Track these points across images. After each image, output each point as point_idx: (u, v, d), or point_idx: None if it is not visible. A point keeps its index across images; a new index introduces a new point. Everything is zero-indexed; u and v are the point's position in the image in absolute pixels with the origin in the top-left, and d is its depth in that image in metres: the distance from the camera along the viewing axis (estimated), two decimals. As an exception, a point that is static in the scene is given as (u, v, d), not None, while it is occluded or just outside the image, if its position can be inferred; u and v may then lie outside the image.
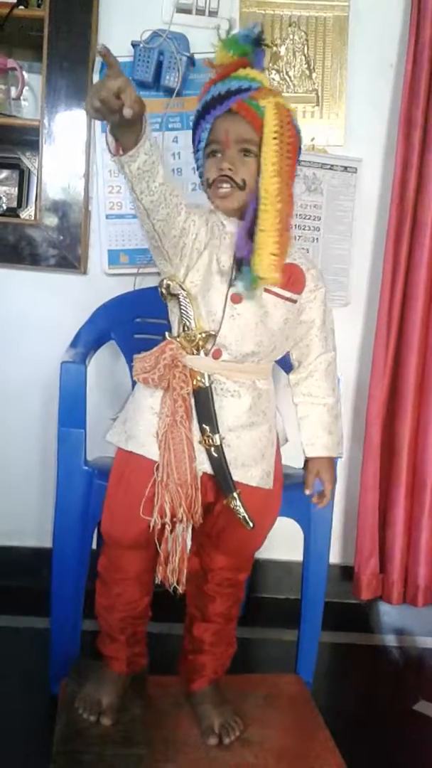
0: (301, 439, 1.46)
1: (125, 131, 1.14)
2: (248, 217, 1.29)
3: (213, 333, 1.32)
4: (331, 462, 1.47)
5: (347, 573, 2.19)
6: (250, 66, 1.33)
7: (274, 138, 1.27)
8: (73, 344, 1.86)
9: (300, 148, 1.35)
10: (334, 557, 2.21)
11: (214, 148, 1.32)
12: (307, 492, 1.46)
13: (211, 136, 1.31)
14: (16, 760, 1.42)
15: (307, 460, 1.48)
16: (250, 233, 1.28)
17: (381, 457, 2.12)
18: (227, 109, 1.28)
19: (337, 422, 1.47)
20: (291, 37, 2.10)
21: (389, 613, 2.20)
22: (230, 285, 1.32)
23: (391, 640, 2.10)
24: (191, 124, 1.38)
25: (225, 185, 1.30)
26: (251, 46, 1.33)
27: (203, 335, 1.32)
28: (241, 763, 1.38)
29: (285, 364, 1.55)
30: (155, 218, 1.24)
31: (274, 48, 2.09)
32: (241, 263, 1.29)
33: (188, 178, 2.07)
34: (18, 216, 2.22)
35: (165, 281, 1.33)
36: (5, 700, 1.61)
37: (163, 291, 1.33)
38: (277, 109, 1.28)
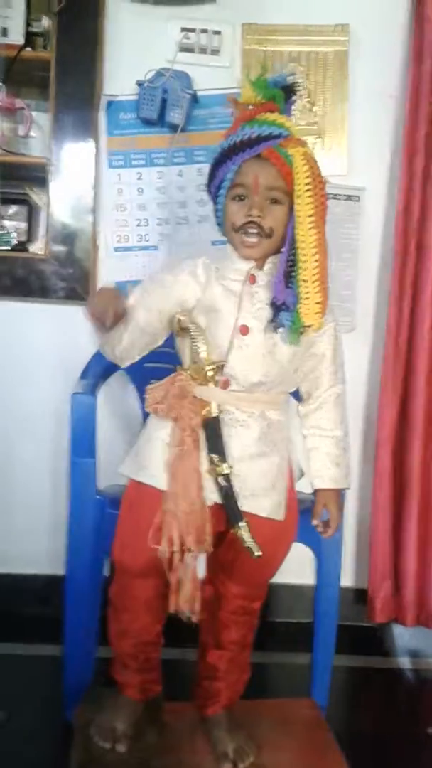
0: (310, 471, 1.48)
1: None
2: (282, 265, 1.31)
3: (222, 364, 1.35)
4: (338, 494, 1.48)
5: (361, 596, 2.19)
6: (279, 112, 1.35)
7: (308, 189, 1.29)
8: (83, 375, 1.90)
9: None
10: (348, 580, 2.23)
11: (240, 192, 1.33)
12: (314, 522, 1.47)
13: (238, 179, 1.32)
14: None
15: (315, 491, 1.49)
16: (287, 281, 1.31)
17: (392, 480, 2.13)
18: (256, 154, 1.29)
19: (345, 454, 1.47)
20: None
21: (403, 636, 2.20)
22: (238, 316, 1.35)
23: (405, 662, 2.09)
24: (212, 159, 1.37)
25: (252, 234, 1.32)
26: (280, 92, 1.35)
27: (213, 366, 1.35)
28: (255, 789, 1.39)
29: (297, 395, 1.57)
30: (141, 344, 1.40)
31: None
32: (279, 309, 1.32)
33: (193, 210, 2.12)
34: (27, 250, 2.27)
35: (177, 316, 1.36)
36: (20, 727, 1.62)
37: (175, 325, 1.37)
38: (306, 159, 1.29)
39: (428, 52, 2.09)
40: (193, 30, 2.13)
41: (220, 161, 1.35)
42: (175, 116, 2.07)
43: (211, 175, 1.38)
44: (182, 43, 2.12)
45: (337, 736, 1.56)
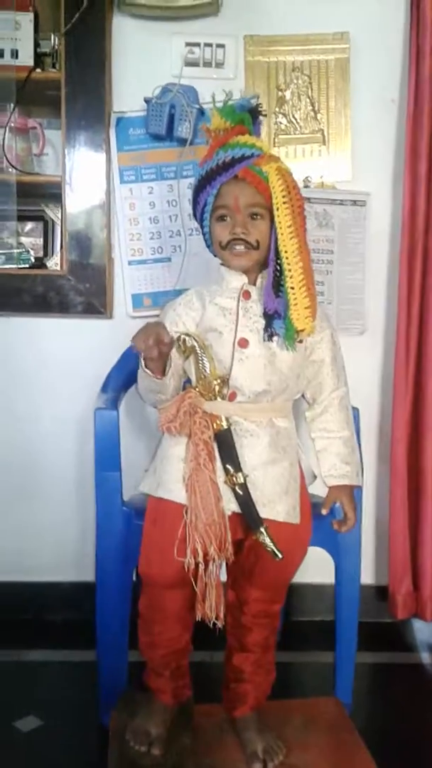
0: (321, 471, 1.53)
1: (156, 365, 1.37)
2: (270, 276, 1.39)
3: (227, 377, 1.41)
4: (351, 490, 1.53)
5: (382, 593, 2.25)
6: (249, 133, 1.43)
7: (284, 202, 1.36)
8: (104, 389, 1.95)
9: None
10: (368, 578, 2.28)
11: (222, 213, 1.41)
12: (324, 511, 1.50)
13: (218, 201, 1.40)
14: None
15: (328, 489, 1.54)
16: (276, 291, 1.38)
17: (408, 478, 2.18)
18: (233, 175, 1.37)
19: (354, 454, 1.53)
20: (295, 81, 2.20)
21: (423, 630, 2.24)
22: (236, 331, 1.41)
23: (426, 657, 2.13)
24: (193, 187, 1.46)
25: (239, 246, 1.40)
26: (248, 115, 1.43)
27: (219, 381, 1.41)
28: (285, 786, 1.44)
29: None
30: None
31: (280, 93, 2.19)
32: (272, 318, 1.39)
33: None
34: (44, 265, 2.33)
35: (182, 336, 1.42)
36: (57, 733, 1.68)
37: (180, 345, 1.43)
38: (279, 174, 1.37)
39: (427, 55, 2.12)
40: (197, 44, 2.18)
41: (200, 187, 1.43)
42: (183, 130, 2.11)
43: (195, 202, 1.46)
44: (187, 57, 2.17)
45: (361, 732, 1.61)
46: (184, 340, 1.41)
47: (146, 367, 1.38)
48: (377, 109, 2.23)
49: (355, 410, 1.76)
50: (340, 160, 2.22)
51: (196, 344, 1.41)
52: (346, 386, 1.54)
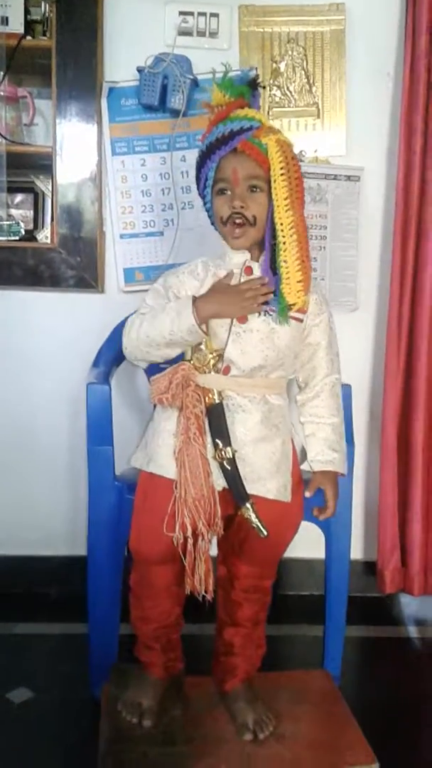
0: (308, 456, 1.54)
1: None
2: (267, 253, 1.39)
3: (222, 351, 1.41)
4: (335, 477, 1.54)
5: (370, 568, 2.27)
6: (248, 106, 1.41)
7: (282, 174, 1.36)
8: (96, 363, 1.94)
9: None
10: (358, 553, 2.30)
11: (222, 187, 1.40)
12: (308, 494, 1.51)
13: (218, 174, 1.39)
14: (64, 761, 1.52)
15: (312, 473, 1.54)
16: (272, 266, 1.38)
17: (398, 456, 2.19)
18: (232, 148, 1.36)
19: (342, 441, 1.54)
20: (290, 53, 2.16)
21: (410, 605, 2.27)
22: None
23: (413, 631, 2.17)
24: (195, 162, 1.45)
25: (238, 227, 1.39)
26: (247, 88, 1.42)
27: (214, 355, 1.41)
28: (275, 757, 1.46)
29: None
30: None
31: (274, 65, 2.16)
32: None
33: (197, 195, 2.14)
34: (35, 238, 2.30)
35: None
36: (49, 705, 1.70)
37: None
38: (279, 146, 1.36)
39: (423, 28, 2.09)
40: (191, 13, 2.14)
41: (201, 162, 1.43)
42: (177, 101, 2.08)
43: (197, 177, 1.45)
44: (180, 27, 2.13)
45: (350, 704, 1.63)
46: None
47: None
48: (372, 82, 2.20)
49: (347, 387, 1.78)
50: (334, 134, 2.20)
51: None
52: (339, 373, 1.55)
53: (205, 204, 1.46)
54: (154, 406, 1.50)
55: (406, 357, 2.18)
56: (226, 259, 1.46)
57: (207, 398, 1.41)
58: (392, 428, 2.17)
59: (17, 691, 1.74)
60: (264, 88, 1.56)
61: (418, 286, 2.15)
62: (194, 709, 1.58)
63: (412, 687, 1.88)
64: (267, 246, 1.39)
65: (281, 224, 1.36)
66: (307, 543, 1.78)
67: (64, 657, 1.91)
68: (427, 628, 2.18)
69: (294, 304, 1.39)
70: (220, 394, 1.41)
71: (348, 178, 2.19)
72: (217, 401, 1.41)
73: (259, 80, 1.47)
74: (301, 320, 1.44)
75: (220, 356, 1.41)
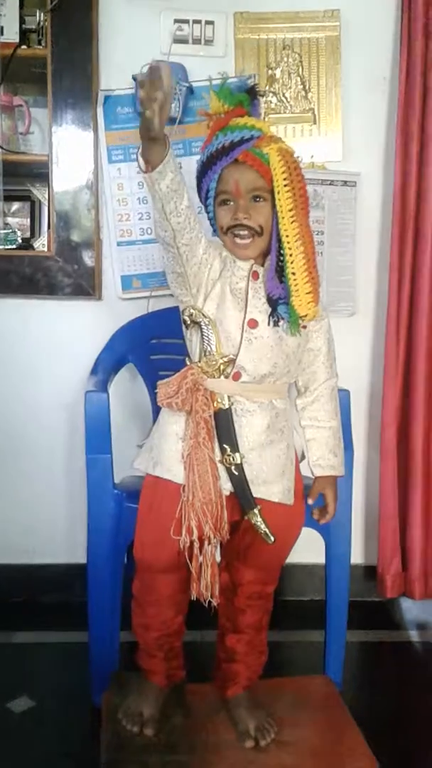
0: (309, 460, 1.54)
1: (152, 148, 1.25)
2: (273, 261, 1.38)
3: (233, 357, 1.40)
4: (335, 481, 1.55)
5: (371, 573, 2.26)
6: (247, 114, 1.40)
7: (285, 185, 1.34)
8: (94, 371, 1.95)
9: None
10: (358, 558, 2.30)
11: (225, 198, 1.38)
12: (310, 501, 1.52)
13: (220, 186, 1.37)
14: (65, 769, 1.52)
15: (315, 478, 1.55)
16: (279, 275, 1.37)
17: (398, 460, 2.19)
18: (233, 159, 1.34)
19: (341, 444, 1.55)
20: (285, 59, 2.17)
21: (411, 609, 2.27)
22: (246, 311, 1.40)
23: (415, 635, 2.16)
24: (196, 172, 1.42)
25: (244, 234, 1.37)
26: (246, 96, 1.40)
27: (224, 360, 1.40)
28: (277, 764, 1.46)
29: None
30: (181, 242, 1.33)
31: (270, 72, 2.17)
32: (276, 303, 1.38)
33: (194, 201, 2.12)
34: (32, 246, 2.31)
35: (189, 309, 1.41)
36: (50, 713, 1.70)
37: (186, 319, 1.41)
38: (281, 155, 1.34)
39: (418, 33, 2.10)
40: (186, 21, 2.14)
41: (202, 173, 1.41)
42: (172, 109, 2.08)
43: (198, 187, 1.43)
44: (176, 34, 2.13)
45: (351, 710, 1.63)
46: (192, 314, 1.40)
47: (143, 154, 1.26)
48: (368, 88, 2.21)
49: (346, 392, 1.78)
50: (330, 139, 2.20)
51: (203, 320, 1.40)
52: (337, 377, 1.55)
53: (208, 214, 1.44)
54: (158, 409, 1.49)
55: (404, 361, 2.19)
56: (233, 266, 1.43)
57: (215, 403, 1.40)
58: (392, 433, 2.17)
59: (18, 700, 1.73)
60: (263, 96, 1.53)
61: (416, 291, 2.16)
62: (195, 716, 1.58)
63: (413, 692, 1.87)
64: (273, 257, 1.38)
65: (287, 236, 1.35)
66: (308, 548, 1.78)
67: (64, 665, 1.91)
68: (429, 633, 2.18)
69: (305, 315, 1.38)
70: (229, 399, 1.41)
71: (344, 183, 2.20)
72: (225, 406, 1.41)
73: (259, 88, 1.45)
74: (305, 327, 1.44)
75: (230, 360, 1.40)
